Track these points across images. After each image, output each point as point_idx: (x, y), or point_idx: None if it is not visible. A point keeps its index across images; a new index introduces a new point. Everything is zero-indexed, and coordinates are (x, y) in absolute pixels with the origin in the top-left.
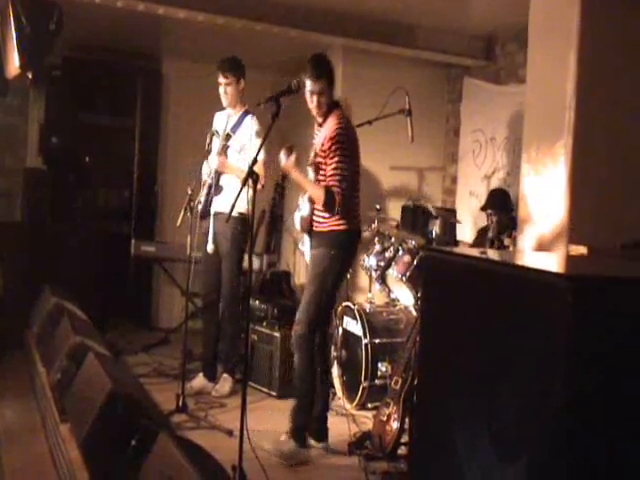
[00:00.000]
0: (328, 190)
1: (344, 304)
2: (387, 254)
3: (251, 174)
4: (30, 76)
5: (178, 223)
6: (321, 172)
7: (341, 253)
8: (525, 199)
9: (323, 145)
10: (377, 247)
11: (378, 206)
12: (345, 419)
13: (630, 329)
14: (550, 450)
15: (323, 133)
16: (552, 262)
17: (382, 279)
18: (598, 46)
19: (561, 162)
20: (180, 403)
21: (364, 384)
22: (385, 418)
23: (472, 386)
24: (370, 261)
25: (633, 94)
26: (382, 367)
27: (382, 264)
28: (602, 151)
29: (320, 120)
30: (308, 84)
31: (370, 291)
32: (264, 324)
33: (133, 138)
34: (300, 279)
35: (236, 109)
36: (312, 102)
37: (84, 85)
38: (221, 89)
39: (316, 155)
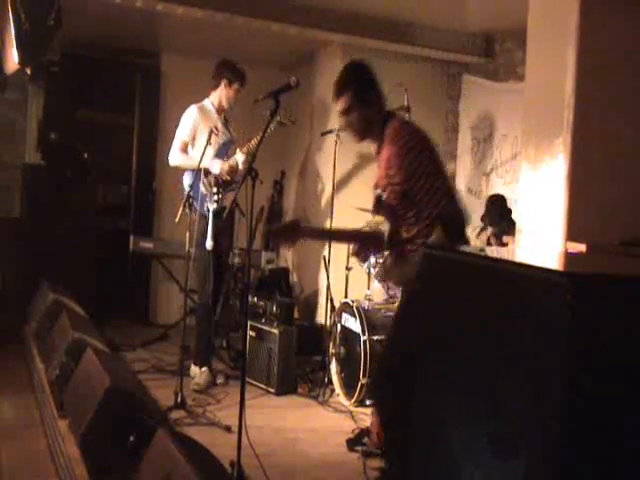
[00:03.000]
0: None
1: (343, 301)
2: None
3: (250, 171)
4: (29, 72)
5: (177, 219)
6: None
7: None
8: (524, 196)
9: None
10: None
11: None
12: (344, 415)
13: (630, 327)
14: (548, 448)
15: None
16: (551, 259)
17: (380, 276)
18: (597, 43)
19: (560, 159)
20: (178, 399)
21: (362, 381)
22: None
23: (469, 384)
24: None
25: (632, 92)
26: None
27: (380, 261)
28: (601, 148)
29: (374, 145)
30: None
31: (369, 288)
32: (262, 320)
33: (131, 134)
34: (298, 276)
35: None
36: (345, 127)
37: (83, 81)
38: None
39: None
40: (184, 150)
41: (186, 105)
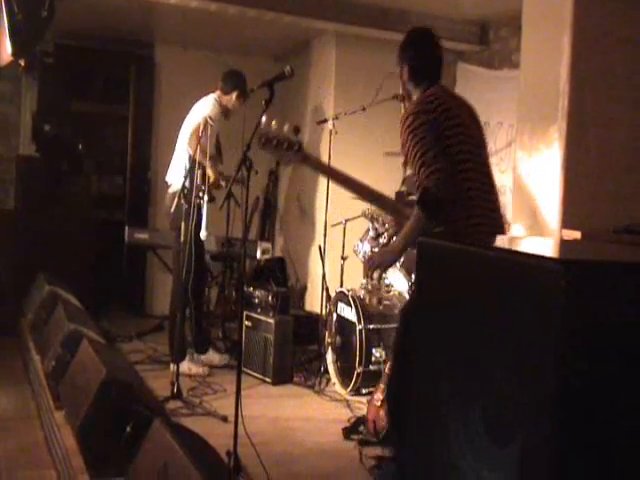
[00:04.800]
0: (420, 202)
1: (338, 290)
2: (381, 240)
3: (245, 160)
4: (22, 63)
5: (172, 209)
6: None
7: None
8: (519, 184)
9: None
10: (371, 233)
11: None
12: (340, 404)
13: (623, 312)
14: (542, 433)
15: None
16: (546, 247)
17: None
18: (592, 31)
19: (555, 147)
20: (175, 389)
21: (358, 370)
22: (379, 403)
23: (464, 371)
24: (364, 247)
25: (627, 78)
26: (376, 353)
27: (376, 250)
28: (596, 135)
29: None
30: None
31: (364, 277)
32: (258, 310)
33: (126, 125)
34: (294, 266)
35: None
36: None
37: (77, 72)
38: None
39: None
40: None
41: (181, 95)
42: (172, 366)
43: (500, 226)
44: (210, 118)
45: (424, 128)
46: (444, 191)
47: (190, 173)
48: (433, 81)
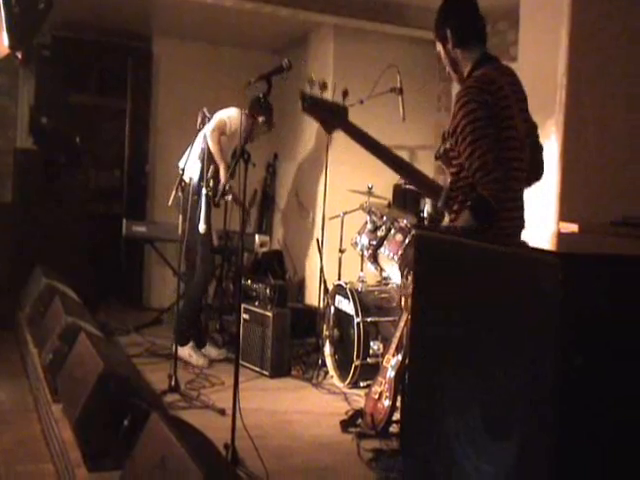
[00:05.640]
0: (474, 200)
1: (336, 283)
2: (379, 233)
3: (243, 153)
4: (19, 56)
5: (170, 202)
6: (454, 164)
7: None
8: None
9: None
10: (369, 226)
11: (370, 185)
12: (337, 397)
13: (620, 305)
14: (540, 426)
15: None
16: (543, 240)
17: (374, 258)
18: (589, 25)
19: (552, 140)
20: (172, 383)
21: (356, 362)
22: (377, 396)
23: (463, 364)
24: (362, 240)
25: (624, 72)
26: (374, 345)
27: (374, 243)
28: (593, 128)
29: None
30: None
31: (362, 270)
32: (256, 303)
33: (124, 118)
34: (292, 258)
35: None
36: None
37: (74, 65)
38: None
39: (444, 139)
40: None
41: (178, 88)
42: (181, 350)
43: (524, 226)
44: (229, 120)
45: (487, 123)
46: (499, 203)
47: (202, 165)
48: (484, 45)
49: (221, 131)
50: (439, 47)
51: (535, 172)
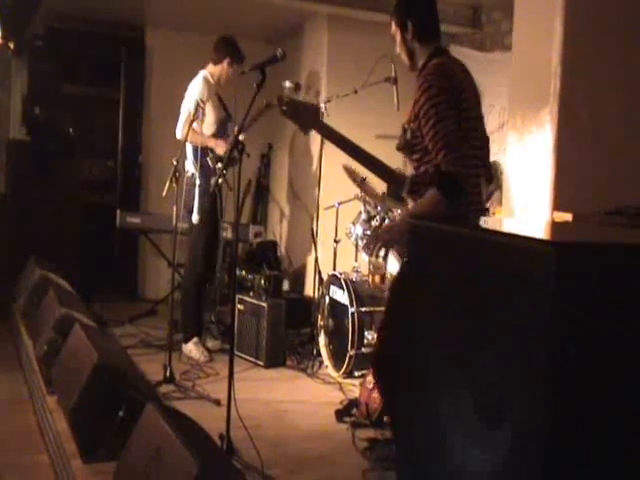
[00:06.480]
0: (440, 177)
1: (330, 273)
2: (373, 223)
3: (237, 144)
4: (12, 46)
5: (164, 193)
6: (417, 150)
7: None
8: (511, 166)
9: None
10: (363, 216)
11: (364, 176)
12: (332, 387)
13: (613, 295)
14: (532, 416)
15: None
16: (537, 229)
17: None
18: (583, 13)
19: (546, 129)
20: (167, 373)
21: (351, 352)
22: (371, 386)
23: (456, 353)
24: (356, 230)
25: (618, 61)
26: (368, 335)
27: (368, 233)
28: (587, 118)
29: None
30: None
31: (356, 260)
32: (251, 294)
33: (117, 108)
34: (286, 249)
35: None
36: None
37: (67, 55)
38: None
39: (404, 131)
40: (191, 123)
41: (172, 79)
42: (185, 345)
43: (486, 208)
44: (201, 101)
45: (448, 106)
46: (466, 180)
47: (194, 158)
48: (439, 40)
49: (190, 121)
50: (396, 32)
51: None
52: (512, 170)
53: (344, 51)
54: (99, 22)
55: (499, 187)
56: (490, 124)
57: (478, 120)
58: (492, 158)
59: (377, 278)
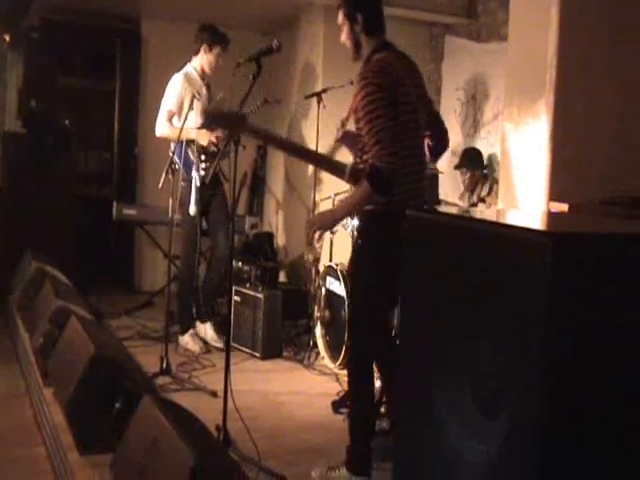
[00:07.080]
0: (370, 171)
1: (327, 264)
2: None
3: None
4: (7, 39)
5: (160, 185)
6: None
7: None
8: (507, 157)
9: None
10: None
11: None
12: (329, 378)
13: (610, 285)
14: (529, 406)
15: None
16: (533, 219)
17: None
18: (580, 4)
19: (542, 120)
20: (164, 365)
21: (347, 343)
22: None
23: (453, 344)
24: (353, 221)
25: (615, 52)
26: None
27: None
28: (583, 108)
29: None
30: None
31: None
32: (247, 285)
33: (113, 100)
34: (282, 240)
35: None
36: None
37: (63, 47)
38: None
39: (343, 124)
40: (170, 120)
41: (167, 70)
42: (181, 337)
43: (422, 196)
44: (181, 101)
45: (385, 103)
46: (395, 176)
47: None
48: (384, 33)
49: (170, 117)
50: (344, 23)
51: (441, 143)
52: (508, 161)
53: (340, 43)
54: (94, 14)
55: (495, 180)
56: (486, 114)
57: (417, 112)
58: (489, 150)
59: (311, 257)
